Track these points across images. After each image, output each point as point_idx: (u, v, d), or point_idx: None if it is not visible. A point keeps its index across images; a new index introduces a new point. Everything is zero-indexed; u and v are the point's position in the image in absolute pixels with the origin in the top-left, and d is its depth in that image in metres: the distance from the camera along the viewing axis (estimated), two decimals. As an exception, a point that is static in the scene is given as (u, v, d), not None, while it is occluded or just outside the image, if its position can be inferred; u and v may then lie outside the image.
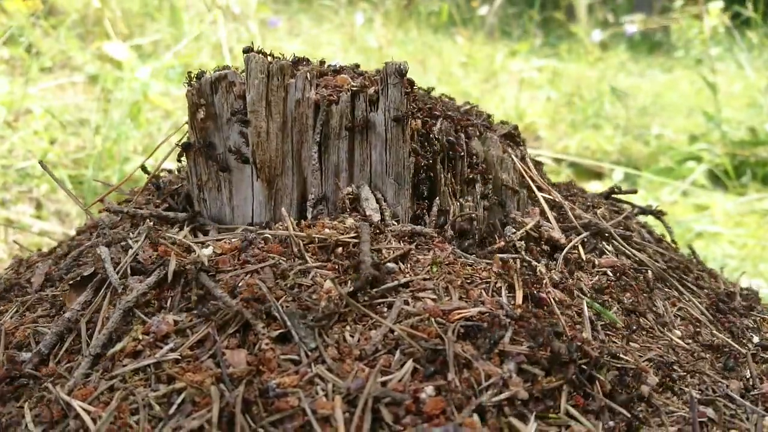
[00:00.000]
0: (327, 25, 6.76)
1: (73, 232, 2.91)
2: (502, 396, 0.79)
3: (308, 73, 1.09)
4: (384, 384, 0.78)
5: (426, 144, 1.12)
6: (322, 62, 1.19)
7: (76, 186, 3.16)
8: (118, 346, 0.87)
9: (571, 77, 6.13)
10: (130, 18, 4.69)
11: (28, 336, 0.97)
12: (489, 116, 1.28)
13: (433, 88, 1.40)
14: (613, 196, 1.35)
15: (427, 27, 7.00)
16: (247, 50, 1.07)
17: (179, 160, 1.21)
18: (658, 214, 1.31)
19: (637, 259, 1.13)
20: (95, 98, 3.85)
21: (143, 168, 1.32)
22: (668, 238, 1.37)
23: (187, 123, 1.21)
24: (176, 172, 1.44)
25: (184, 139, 1.20)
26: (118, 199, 1.40)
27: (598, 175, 4.43)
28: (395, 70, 1.06)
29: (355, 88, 1.08)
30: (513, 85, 5.77)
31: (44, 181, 3.19)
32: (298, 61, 1.15)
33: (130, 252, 1.02)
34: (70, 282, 1.02)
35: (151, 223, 1.11)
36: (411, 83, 1.11)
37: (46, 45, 4.11)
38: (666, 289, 1.11)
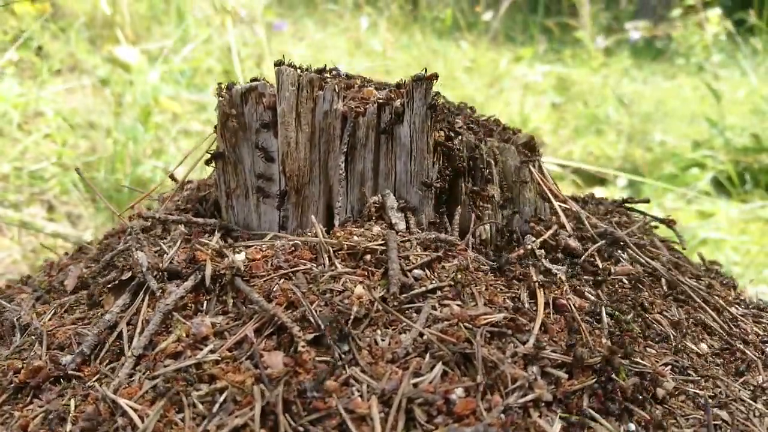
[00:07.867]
0: (332, 29, 6.81)
1: (85, 234, 2.93)
2: (528, 398, 0.83)
3: (336, 86, 1.13)
4: (416, 385, 0.82)
5: (448, 155, 1.16)
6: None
7: (87, 188, 3.21)
8: (159, 348, 0.92)
9: (575, 83, 6.19)
10: (137, 21, 4.74)
11: (69, 337, 1.01)
12: (507, 128, 1.32)
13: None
14: (625, 205, 1.39)
15: (431, 32, 7.05)
16: (279, 63, 1.11)
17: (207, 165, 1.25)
18: (669, 224, 1.35)
19: (652, 267, 1.17)
20: (105, 101, 3.90)
21: (171, 176, 1.37)
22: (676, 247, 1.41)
23: (214, 132, 1.26)
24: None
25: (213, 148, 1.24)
26: (147, 205, 1.44)
27: (602, 181, 4.48)
28: (416, 78, 1.09)
29: (381, 101, 1.13)
30: (517, 90, 5.82)
31: (56, 183, 3.24)
32: (324, 71, 1.19)
33: (166, 257, 1.06)
34: (108, 285, 1.06)
35: (184, 229, 1.15)
36: (434, 105, 1.14)
37: (54, 48, 4.16)
38: (679, 297, 1.15)
